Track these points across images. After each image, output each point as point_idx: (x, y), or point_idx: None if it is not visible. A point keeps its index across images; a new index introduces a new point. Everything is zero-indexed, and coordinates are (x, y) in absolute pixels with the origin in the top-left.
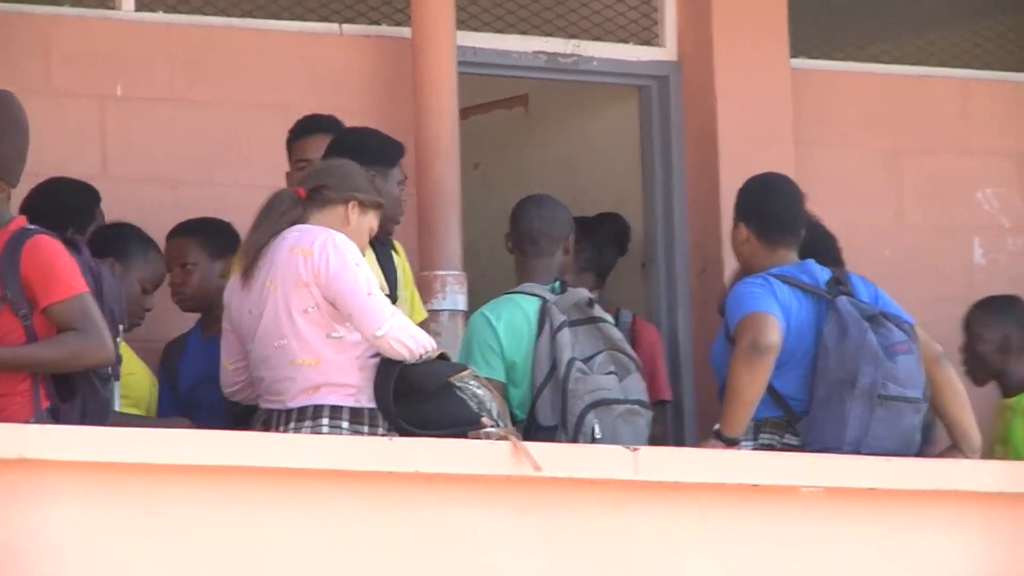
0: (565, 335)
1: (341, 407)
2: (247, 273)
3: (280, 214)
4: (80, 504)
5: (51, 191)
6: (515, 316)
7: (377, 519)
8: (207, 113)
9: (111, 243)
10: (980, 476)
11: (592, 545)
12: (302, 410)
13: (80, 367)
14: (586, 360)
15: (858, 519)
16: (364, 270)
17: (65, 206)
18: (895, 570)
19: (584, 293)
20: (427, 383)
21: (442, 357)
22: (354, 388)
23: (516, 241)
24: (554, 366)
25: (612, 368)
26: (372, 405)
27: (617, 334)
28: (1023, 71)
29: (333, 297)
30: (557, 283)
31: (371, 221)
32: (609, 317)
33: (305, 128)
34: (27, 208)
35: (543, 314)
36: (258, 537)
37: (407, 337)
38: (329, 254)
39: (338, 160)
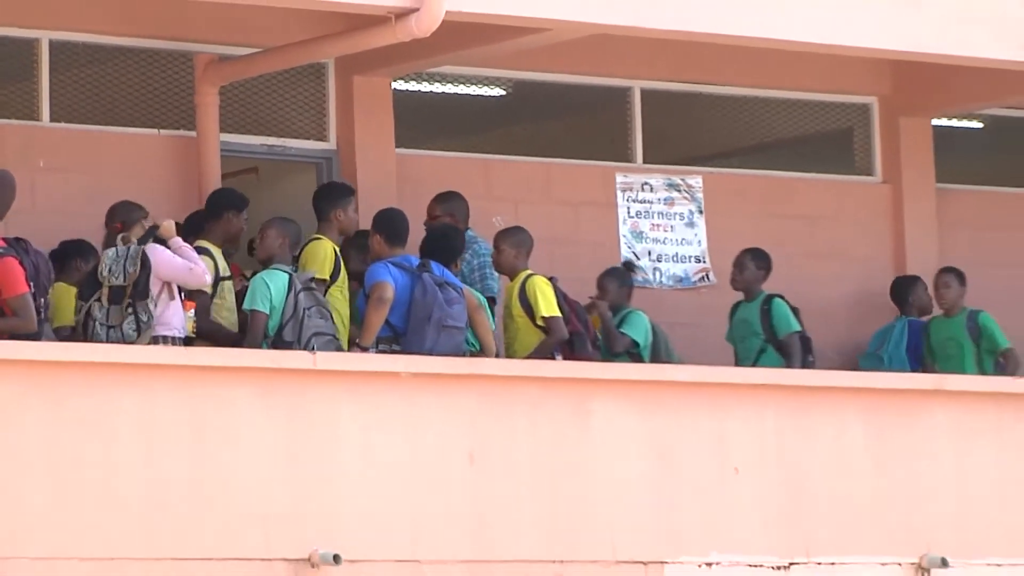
0: (302, 296)
1: (173, 336)
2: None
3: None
4: (22, 384)
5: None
6: (277, 280)
7: (191, 396)
8: (85, 179)
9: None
10: (489, 367)
11: (295, 408)
12: (155, 337)
13: (17, 333)
14: (308, 309)
15: (435, 392)
16: (178, 258)
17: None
18: (453, 422)
19: (310, 274)
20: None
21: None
22: (177, 328)
23: (289, 244)
24: (295, 311)
25: (321, 315)
26: (183, 336)
27: (322, 297)
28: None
29: (167, 278)
30: (293, 267)
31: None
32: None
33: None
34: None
35: (291, 282)
36: (115, 399)
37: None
38: (159, 259)
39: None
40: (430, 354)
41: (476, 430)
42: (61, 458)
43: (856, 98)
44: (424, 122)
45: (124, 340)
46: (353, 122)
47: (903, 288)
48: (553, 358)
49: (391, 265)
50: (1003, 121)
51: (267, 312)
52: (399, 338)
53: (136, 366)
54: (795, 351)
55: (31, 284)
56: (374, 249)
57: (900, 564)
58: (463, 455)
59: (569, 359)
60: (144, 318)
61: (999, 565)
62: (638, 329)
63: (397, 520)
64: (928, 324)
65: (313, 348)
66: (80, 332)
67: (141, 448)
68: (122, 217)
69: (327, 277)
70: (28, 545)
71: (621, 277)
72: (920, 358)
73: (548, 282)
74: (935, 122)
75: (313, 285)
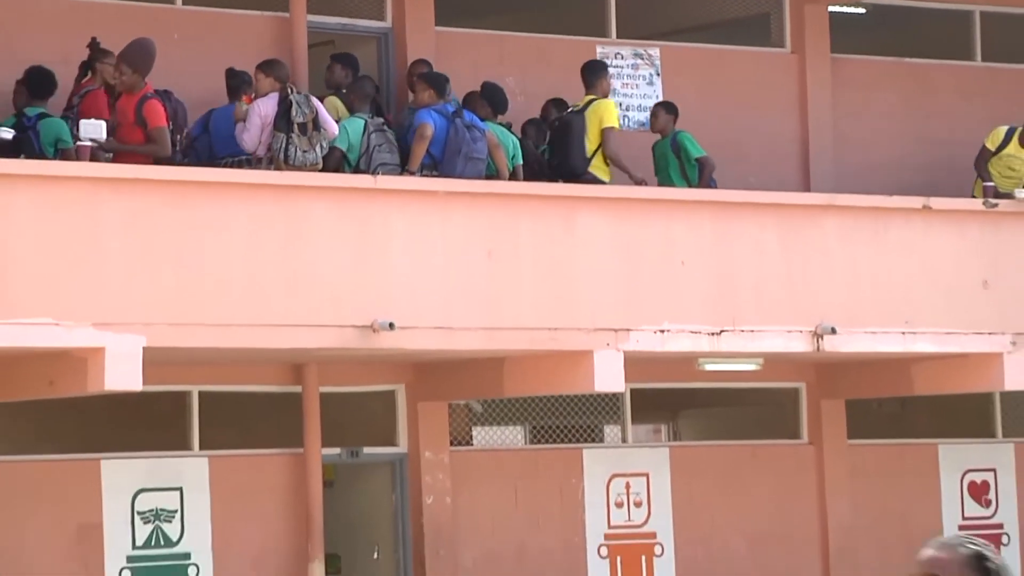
0: (374, 136)
1: (260, 157)
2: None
3: (264, 93)
4: (157, 197)
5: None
6: (353, 125)
7: (284, 207)
8: (207, 47)
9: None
10: (503, 188)
11: (360, 217)
12: (259, 160)
13: (156, 156)
14: (378, 146)
15: (462, 206)
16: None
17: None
18: (476, 227)
19: (380, 120)
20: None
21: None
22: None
23: (355, 94)
24: (367, 148)
25: (389, 151)
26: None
27: (392, 136)
28: None
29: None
30: (369, 113)
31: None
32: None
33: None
34: None
35: (366, 126)
36: (228, 209)
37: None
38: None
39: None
40: (459, 178)
41: (492, 233)
42: (187, 253)
43: None
44: (456, 7)
45: (317, 160)
46: (404, 5)
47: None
48: None
49: (433, 111)
50: (882, 8)
51: (344, 149)
52: (437, 166)
53: (243, 184)
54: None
55: (170, 123)
56: (423, 99)
57: (801, 331)
58: (483, 252)
59: None
60: (324, 144)
61: (873, 332)
62: None
63: (434, 298)
64: (654, 146)
65: (378, 174)
66: (281, 156)
67: (246, 245)
68: (279, 72)
69: (616, 124)
70: (163, 314)
71: (537, 125)
72: None
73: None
74: (831, 8)
75: (384, 127)
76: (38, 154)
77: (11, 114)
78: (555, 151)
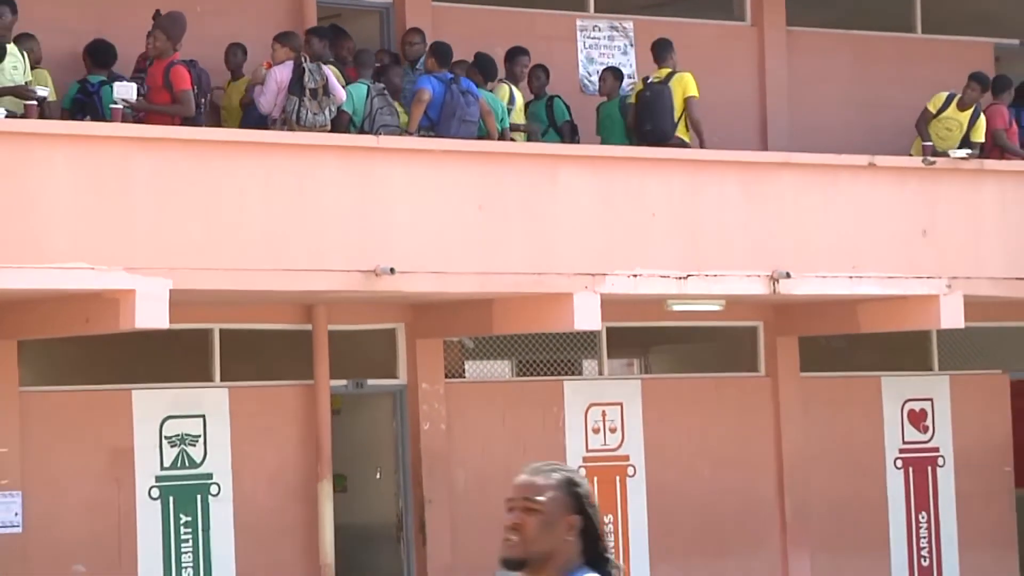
0: (376, 99)
1: (275, 119)
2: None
3: (280, 61)
4: (180, 155)
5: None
6: (357, 90)
7: (296, 164)
8: (225, 19)
9: None
10: (492, 147)
11: (365, 173)
12: (274, 121)
13: (181, 115)
14: (380, 109)
15: (457, 163)
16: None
17: None
18: (468, 183)
19: (381, 85)
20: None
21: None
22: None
23: (357, 61)
24: (371, 110)
25: (390, 113)
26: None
27: (392, 100)
28: None
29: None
30: (371, 80)
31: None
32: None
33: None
34: None
35: (369, 91)
36: (243, 166)
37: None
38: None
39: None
40: (454, 138)
41: (483, 188)
42: (209, 205)
43: None
44: None
45: (326, 122)
46: None
47: None
48: None
49: (432, 78)
50: None
51: (350, 113)
52: (434, 127)
53: (259, 144)
54: (566, 133)
55: (195, 87)
56: (428, 67)
57: (759, 276)
58: (474, 204)
59: None
60: (332, 108)
61: (824, 276)
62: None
63: (431, 246)
64: (599, 107)
65: (380, 135)
66: (293, 118)
67: (262, 198)
68: (294, 43)
69: (697, 94)
70: (187, 260)
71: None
72: None
73: None
74: None
75: (386, 92)
76: (101, 116)
77: (76, 80)
78: (646, 118)
